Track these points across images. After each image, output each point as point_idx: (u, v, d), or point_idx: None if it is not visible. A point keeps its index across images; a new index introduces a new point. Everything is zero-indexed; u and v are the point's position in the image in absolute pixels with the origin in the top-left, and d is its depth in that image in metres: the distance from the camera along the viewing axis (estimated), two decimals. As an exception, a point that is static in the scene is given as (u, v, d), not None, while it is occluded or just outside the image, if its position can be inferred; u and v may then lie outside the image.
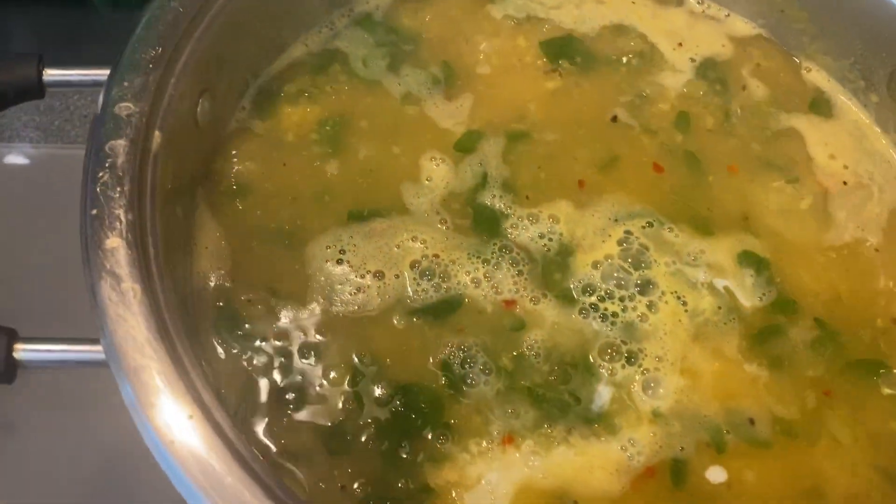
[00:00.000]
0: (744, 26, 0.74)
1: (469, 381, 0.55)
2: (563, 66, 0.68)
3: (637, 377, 0.56)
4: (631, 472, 0.52)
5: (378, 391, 0.54)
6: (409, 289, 0.57)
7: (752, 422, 0.54)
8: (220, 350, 0.54)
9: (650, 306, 0.58)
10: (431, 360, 0.55)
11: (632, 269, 0.59)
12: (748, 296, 0.59)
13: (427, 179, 0.62)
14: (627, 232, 0.60)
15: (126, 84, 0.52)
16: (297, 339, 0.56)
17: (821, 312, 0.59)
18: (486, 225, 0.60)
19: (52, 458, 0.70)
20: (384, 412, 0.53)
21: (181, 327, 0.47)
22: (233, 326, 0.56)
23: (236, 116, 0.64)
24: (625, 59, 0.70)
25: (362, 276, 0.58)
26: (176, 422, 0.42)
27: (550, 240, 0.60)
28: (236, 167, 0.61)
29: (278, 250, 0.59)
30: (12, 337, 0.46)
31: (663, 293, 0.58)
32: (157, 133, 0.52)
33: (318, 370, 0.55)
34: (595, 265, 0.59)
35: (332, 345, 0.55)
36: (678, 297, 0.59)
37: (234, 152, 0.62)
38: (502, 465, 0.52)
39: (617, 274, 0.59)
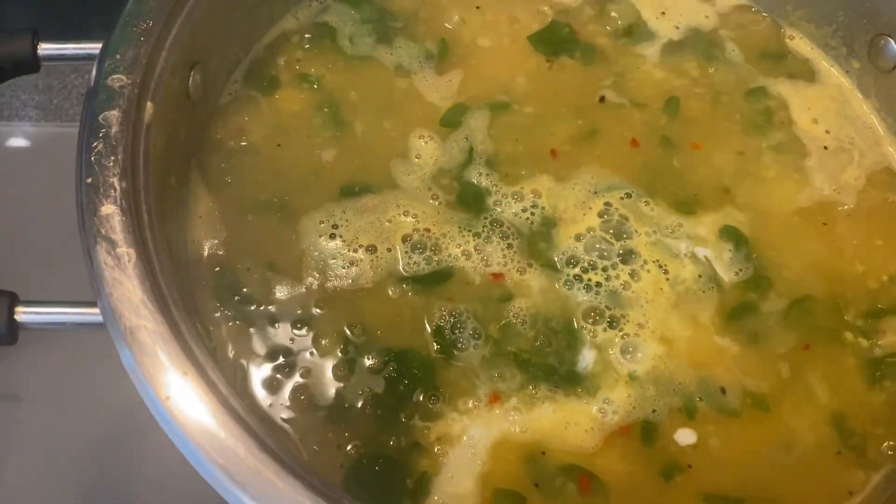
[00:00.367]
0: (730, -5, 0.75)
1: (459, 345, 0.57)
2: (553, 57, 0.69)
3: (617, 340, 0.57)
4: (605, 430, 0.54)
5: (372, 358, 0.56)
6: (401, 262, 0.59)
7: (723, 391, 0.56)
8: (216, 314, 0.56)
9: (633, 275, 0.59)
10: (422, 327, 0.57)
11: (613, 240, 0.60)
12: (725, 270, 0.61)
13: (416, 157, 0.63)
14: (607, 204, 0.62)
15: (118, 57, 0.53)
16: (292, 310, 0.57)
17: (796, 280, 0.61)
18: (471, 202, 0.61)
19: (56, 423, 0.72)
20: (378, 377, 0.55)
21: (175, 290, 0.48)
22: (231, 292, 0.57)
23: (228, 89, 0.66)
24: (611, 37, 0.71)
25: (355, 251, 0.59)
26: (171, 379, 0.44)
27: (533, 213, 0.61)
28: (228, 140, 0.63)
29: (271, 223, 0.60)
30: (14, 300, 0.48)
31: (645, 262, 0.60)
32: (149, 104, 0.53)
33: (311, 339, 0.56)
34: (578, 237, 0.60)
35: (326, 315, 0.57)
36: (660, 266, 0.60)
37: (226, 125, 0.63)
38: (485, 422, 0.54)
39: (599, 245, 0.60)
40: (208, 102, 0.63)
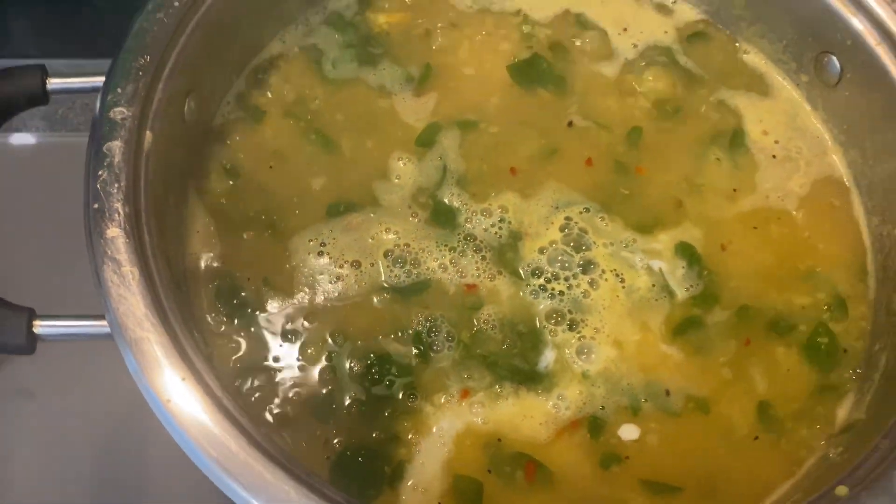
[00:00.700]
0: (689, 11, 0.79)
1: (435, 348, 0.62)
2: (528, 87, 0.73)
3: (574, 342, 0.63)
4: (557, 424, 0.60)
5: (355, 362, 0.61)
6: (384, 275, 0.64)
7: (667, 393, 0.61)
8: (212, 322, 0.62)
9: (592, 283, 0.65)
10: (402, 334, 0.62)
11: (573, 252, 0.66)
12: (677, 285, 0.65)
13: (396, 178, 0.68)
14: (567, 218, 0.67)
15: (119, 90, 0.58)
16: (282, 320, 0.63)
17: (741, 287, 0.66)
18: (444, 220, 0.66)
19: (68, 418, 0.77)
20: (362, 379, 0.61)
21: (175, 303, 0.54)
22: (226, 301, 0.63)
23: (221, 111, 0.70)
24: (578, 48, 0.76)
25: (341, 266, 0.64)
26: (171, 384, 0.50)
27: (501, 228, 0.66)
28: (222, 162, 0.68)
29: (264, 241, 0.65)
30: (32, 314, 0.54)
31: (603, 271, 0.65)
32: (148, 133, 0.58)
33: (300, 345, 0.62)
34: (541, 250, 0.66)
35: (314, 325, 0.62)
36: (617, 275, 0.65)
37: (219, 147, 0.68)
38: (454, 415, 0.60)
39: (561, 257, 0.65)
40: (202, 125, 0.68)
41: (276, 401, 0.60)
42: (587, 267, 0.65)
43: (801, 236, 0.69)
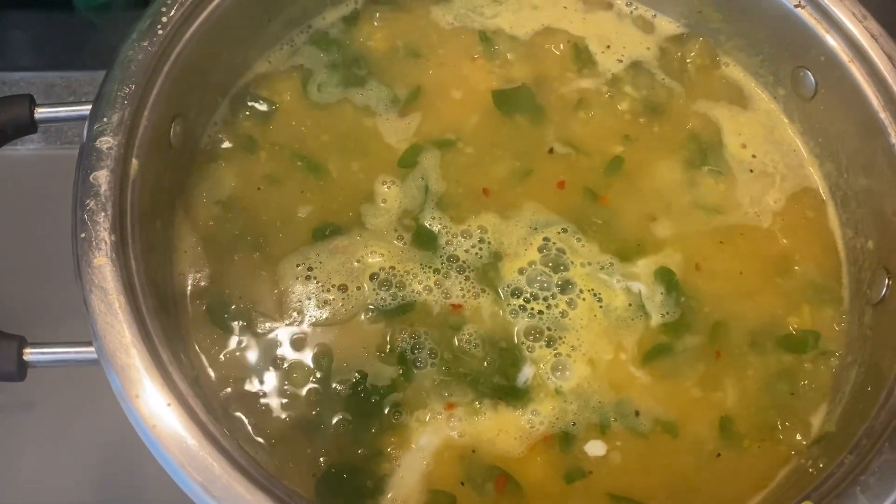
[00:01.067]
0: (668, 25, 0.81)
1: (419, 364, 0.64)
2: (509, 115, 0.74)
3: (550, 358, 0.64)
4: (531, 439, 0.62)
5: (343, 383, 0.63)
6: (370, 298, 0.66)
7: (637, 414, 0.63)
8: (197, 345, 0.64)
9: (570, 303, 0.66)
10: (387, 354, 0.64)
11: (552, 273, 0.67)
12: (654, 309, 0.67)
13: (382, 202, 0.69)
14: (546, 239, 0.68)
15: (105, 120, 0.59)
16: (270, 343, 0.64)
17: (719, 308, 0.67)
18: (426, 243, 0.68)
19: (65, 433, 0.79)
20: (348, 399, 0.62)
21: (161, 328, 0.56)
22: (213, 323, 0.64)
23: (208, 132, 0.72)
24: (559, 66, 0.77)
25: (328, 290, 0.66)
26: (156, 409, 0.51)
27: (481, 248, 0.68)
28: (209, 184, 0.69)
29: (251, 264, 0.67)
30: (22, 342, 0.56)
31: (581, 290, 0.67)
32: (134, 161, 0.59)
33: (286, 369, 0.63)
34: (521, 271, 0.67)
35: (301, 348, 0.64)
36: (594, 294, 0.67)
37: (207, 169, 0.70)
38: (434, 430, 0.62)
39: (540, 277, 0.67)
40: (189, 148, 0.70)
41: (265, 422, 0.62)
42: (565, 287, 0.67)
43: (777, 250, 0.70)
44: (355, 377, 0.63)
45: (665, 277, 0.68)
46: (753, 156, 0.75)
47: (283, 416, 0.62)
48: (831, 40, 0.70)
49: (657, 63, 0.79)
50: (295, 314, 0.65)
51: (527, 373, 0.64)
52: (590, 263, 0.68)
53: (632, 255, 0.68)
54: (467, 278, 0.67)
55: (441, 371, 0.64)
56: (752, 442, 0.63)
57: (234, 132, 0.72)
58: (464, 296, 0.66)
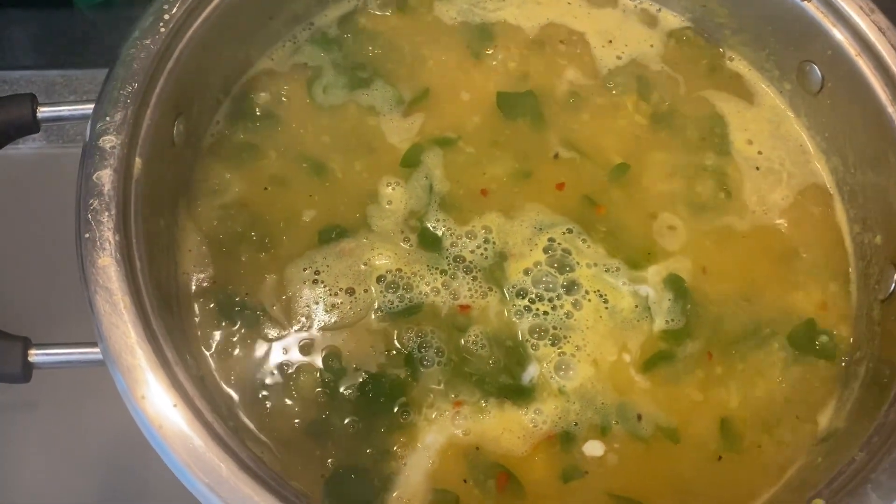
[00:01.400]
0: (673, 20, 0.80)
1: (426, 363, 0.63)
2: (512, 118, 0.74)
3: (554, 357, 0.64)
4: (534, 437, 0.61)
5: (350, 385, 0.62)
6: (377, 301, 0.65)
7: (639, 417, 0.63)
8: (203, 344, 0.63)
9: (575, 304, 0.66)
10: (395, 355, 0.64)
11: (557, 274, 0.67)
12: (660, 314, 0.66)
13: (388, 203, 0.69)
14: (551, 239, 0.68)
15: (108, 119, 0.59)
16: (277, 346, 0.64)
17: (725, 306, 0.67)
18: (431, 244, 0.67)
19: (70, 433, 0.78)
20: (356, 401, 0.62)
21: (166, 328, 0.55)
22: (218, 322, 0.64)
23: (211, 130, 0.71)
24: (563, 61, 0.76)
25: (335, 294, 0.66)
26: (162, 410, 0.51)
27: (486, 249, 0.67)
28: (213, 183, 0.69)
29: (257, 263, 0.66)
30: (27, 343, 0.55)
31: (587, 292, 0.66)
32: (137, 160, 0.59)
33: (295, 372, 0.63)
34: (526, 272, 0.67)
35: (309, 351, 0.64)
36: (600, 295, 0.66)
37: (210, 167, 0.69)
38: (440, 429, 0.61)
39: (545, 278, 0.66)
40: (192, 146, 0.69)
41: (272, 423, 0.62)
42: (571, 288, 0.66)
43: (783, 247, 0.70)
44: (363, 380, 0.63)
45: (675, 285, 0.67)
46: (760, 152, 0.75)
47: (291, 417, 0.62)
48: (838, 34, 0.69)
49: (661, 59, 0.78)
50: (303, 319, 0.65)
51: (531, 371, 0.64)
52: (595, 264, 0.67)
53: (641, 261, 0.68)
54: (475, 278, 0.66)
55: (448, 370, 0.63)
56: (757, 443, 0.63)
57: (237, 131, 0.72)
58: (472, 296, 0.66)
